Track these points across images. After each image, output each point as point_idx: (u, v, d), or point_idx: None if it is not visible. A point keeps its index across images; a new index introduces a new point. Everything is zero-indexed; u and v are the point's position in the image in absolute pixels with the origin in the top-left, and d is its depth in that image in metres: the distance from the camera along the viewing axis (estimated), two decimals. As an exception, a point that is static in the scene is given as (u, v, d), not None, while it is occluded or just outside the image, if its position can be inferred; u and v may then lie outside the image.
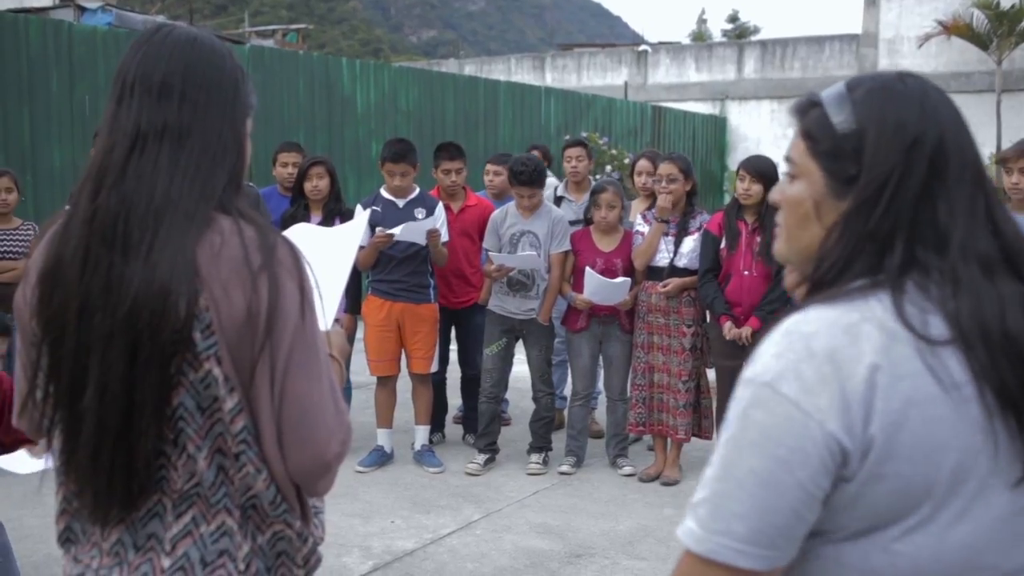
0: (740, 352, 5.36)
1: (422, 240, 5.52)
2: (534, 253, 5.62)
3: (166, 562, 1.43)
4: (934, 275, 1.18)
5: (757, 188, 5.23)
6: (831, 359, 1.14)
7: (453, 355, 6.44)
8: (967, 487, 1.15)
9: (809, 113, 1.30)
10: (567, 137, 14.33)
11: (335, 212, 5.75)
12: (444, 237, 5.68)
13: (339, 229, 2.22)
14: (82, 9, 14.31)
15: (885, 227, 1.20)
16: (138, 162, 1.42)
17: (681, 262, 5.50)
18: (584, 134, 14.67)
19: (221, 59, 1.50)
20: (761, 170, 5.27)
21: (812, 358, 1.14)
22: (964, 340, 1.14)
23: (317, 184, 5.77)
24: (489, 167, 6.68)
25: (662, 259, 5.55)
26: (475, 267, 6.10)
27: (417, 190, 5.76)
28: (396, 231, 5.41)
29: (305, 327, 1.43)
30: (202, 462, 1.41)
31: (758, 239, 5.23)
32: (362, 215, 5.36)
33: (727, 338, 5.27)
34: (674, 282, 5.46)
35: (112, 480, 1.40)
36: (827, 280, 1.22)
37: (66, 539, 1.51)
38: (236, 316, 1.38)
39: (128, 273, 1.37)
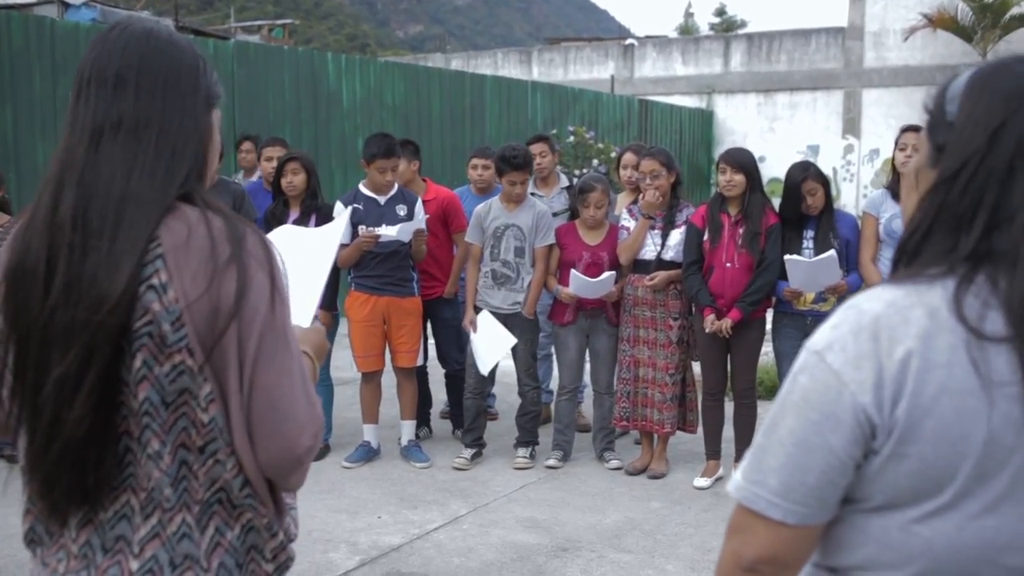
0: (724, 344, 5.38)
1: (408, 238, 5.53)
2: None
3: (134, 565, 1.41)
4: (1004, 263, 1.19)
5: (739, 178, 5.24)
6: (875, 336, 1.18)
7: (432, 350, 6.44)
8: (997, 482, 1.16)
9: (939, 88, 1.32)
10: (554, 131, 14.34)
11: (311, 209, 5.73)
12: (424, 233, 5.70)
13: (320, 230, 2.22)
14: (66, 5, 14.25)
15: (962, 206, 1.21)
16: (96, 156, 1.41)
17: (668, 255, 5.50)
18: (571, 128, 14.66)
19: (178, 51, 1.49)
20: (741, 161, 5.28)
21: (860, 332, 1.20)
22: (1020, 338, 1.15)
23: (292, 180, 5.73)
24: (476, 161, 6.54)
25: (649, 252, 5.54)
26: (438, 260, 6.09)
27: (396, 186, 5.75)
28: (392, 232, 5.41)
29: (275, 318, 1.42)
30: (166, 457, 1.40)
31: (741, 230, 5.24)
32: (343, 214, 5.36)
33: (708, 332, 5.29)
34: (660, 275, 5.46)
35: (67, 475, 1.39)
36: (908, 251, 1.26)
37: (31, 540, 1.49)
38: (205, 307, 1.37)
39: (90, 267, 1.36)
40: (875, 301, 1.22)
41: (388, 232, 5.42)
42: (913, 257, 1.25)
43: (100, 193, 1.39)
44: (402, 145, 6.15)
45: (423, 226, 5.61)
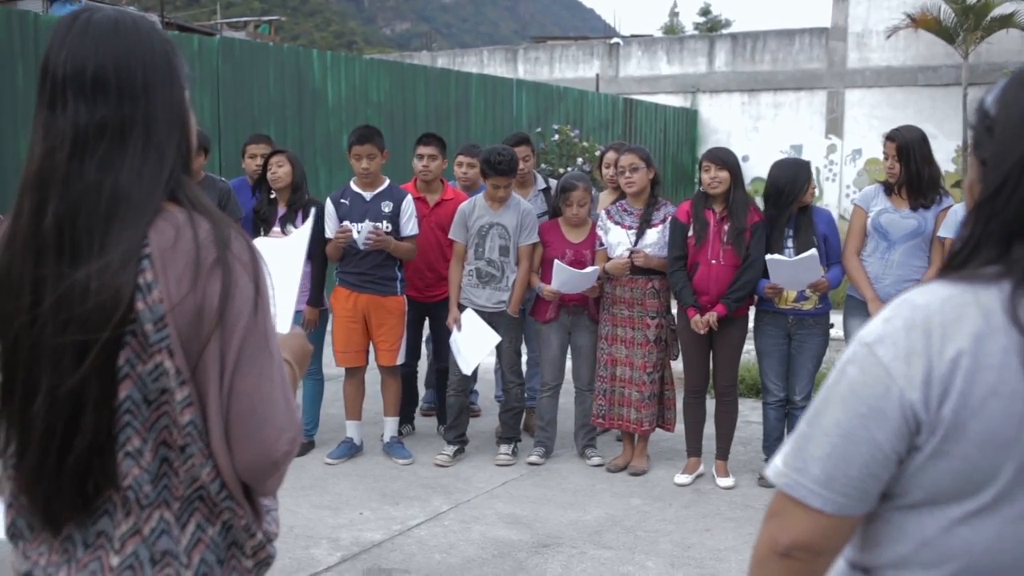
0: (706, 342, 5.41)
1: (361, 245, 5.53)
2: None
3: (115, 560, 1.41)
4: None
5: (724, 175, 5.27)
6: (928, 334, 1.19)
7: (426, 348, 6.44)
8: None
9: (979, 102, 1.32)
10: (538, 130, 14.35)
11: (298, 204, 5.73)
12: (413, 230, 5.69)
13: (288, 238, 2.23)
14: (51, -1, 14.16)
15: (1008, 217, 1.21)
16: (81, 164, 1.38)
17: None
18: (556, 127, 14.67)
19: (148, 39, 1.45)
20: (725, 159, 5.32)
21: (912, 329, 1.20)
22: None
23: (277, 172, 5.72)
24: (462, 159, 6.52)
25: (626, 251, 5.54)
26: (448, 262, 6.06)
27: (387, 183, 5.75)
28: (353, 231, 5.50)
29: (258, 322, 1.42)
30: (147, 455, 1.40)
31: (726, 227, 5.27)
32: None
33: (700, 331, 5.30)
34: (648, 258, 5.44)
35: (62, 484, 1.39)
36: (958, 262, 1.25)
37: (13, 534, 1.49)
38: (189, 309, 1.37)
39: (80, 278, 1.35)
40: (929, 296, 1.22)
41: (351, 230, 5.50)
42: (961, 269, 1.25)
43: (88, 202, 1.37)
44: (427, 140, 6.13)
45: (379, 226, 5.55)
